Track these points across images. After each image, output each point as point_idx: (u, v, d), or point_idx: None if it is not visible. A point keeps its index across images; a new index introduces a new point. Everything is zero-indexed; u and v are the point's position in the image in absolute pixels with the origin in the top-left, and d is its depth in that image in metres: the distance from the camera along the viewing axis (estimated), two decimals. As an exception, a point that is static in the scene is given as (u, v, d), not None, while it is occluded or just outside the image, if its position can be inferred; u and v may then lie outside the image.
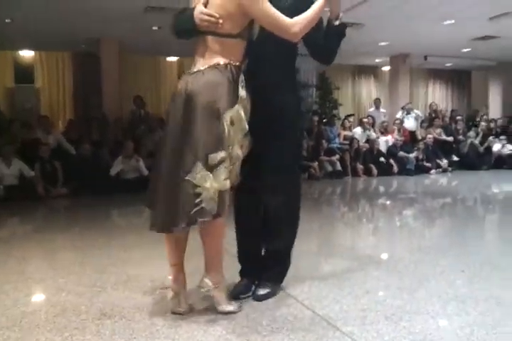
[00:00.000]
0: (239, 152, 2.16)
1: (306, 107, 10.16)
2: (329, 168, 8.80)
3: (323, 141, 9.01)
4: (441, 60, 12.10)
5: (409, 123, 10.54)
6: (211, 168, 2.06)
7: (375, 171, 9.04)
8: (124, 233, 4.41)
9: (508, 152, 10.52)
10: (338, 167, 8.86)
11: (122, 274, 2.89)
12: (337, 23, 2.35)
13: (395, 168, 9.25)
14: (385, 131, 10.17)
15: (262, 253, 2.55)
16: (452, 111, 12.51)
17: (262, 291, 2.41)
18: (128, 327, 2.09)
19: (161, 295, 2.48)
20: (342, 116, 11.08)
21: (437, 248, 3.57)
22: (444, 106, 13.58)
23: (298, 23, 2.12)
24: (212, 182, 2.06)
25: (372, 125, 10.13)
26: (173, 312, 2.21)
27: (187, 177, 2.06)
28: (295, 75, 2.52)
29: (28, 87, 10.41)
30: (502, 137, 10.79)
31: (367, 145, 9.45)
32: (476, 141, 10.60)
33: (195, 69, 2.18)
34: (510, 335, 1.93)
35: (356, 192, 7.66)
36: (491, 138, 10.73)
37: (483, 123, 11.32)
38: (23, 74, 10.40)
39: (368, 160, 9.17)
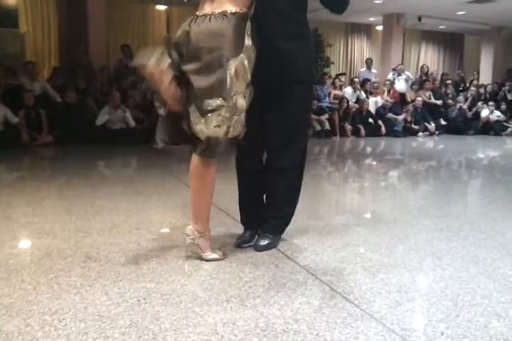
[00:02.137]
0: (243, 102, 2.15)
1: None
2: (318, 127, 8.78)
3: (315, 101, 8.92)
4: (435, 21, 11.90)
5: (400, 85, 10.47)
6: (203, 113, 2.08)
7: (363, 132, 9.04)
8: (109, 183, 4.42)
9: (496, 118, 10.56)
10: (327, 126, 8.84)
11: (108, 222, 2.91)
12: None
13: (383, 129, 9.27)
14: (374, 92, 10.12)
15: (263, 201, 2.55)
16: (443, 74, 12.43)
17: (262, 242, 2.45)
18: (113, 270, 2.13)
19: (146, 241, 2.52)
20: (333, 74, 10.94)
21: (419, 208, 3.63)
22: (435, 69, 13.47)
23: None
24: (203, 127, 2.08)
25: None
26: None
27: (191, 118, 2.11)
28: (306, 25, 2.43)
29: (13, 32, 10.03)
30: (491, 103, 10.79)
31: (356, 105, 9.42)
32: (465, 106, 10.61)
33: (201, 13, 2.14)
34: (482, 290, 2.00)
35: (344, 152, 7.69)
36: (479, 103, 10.74)
37: (472, 88, 11.30)
38: (7, 17, 9.97)
39: (357, 121, 9.15)
